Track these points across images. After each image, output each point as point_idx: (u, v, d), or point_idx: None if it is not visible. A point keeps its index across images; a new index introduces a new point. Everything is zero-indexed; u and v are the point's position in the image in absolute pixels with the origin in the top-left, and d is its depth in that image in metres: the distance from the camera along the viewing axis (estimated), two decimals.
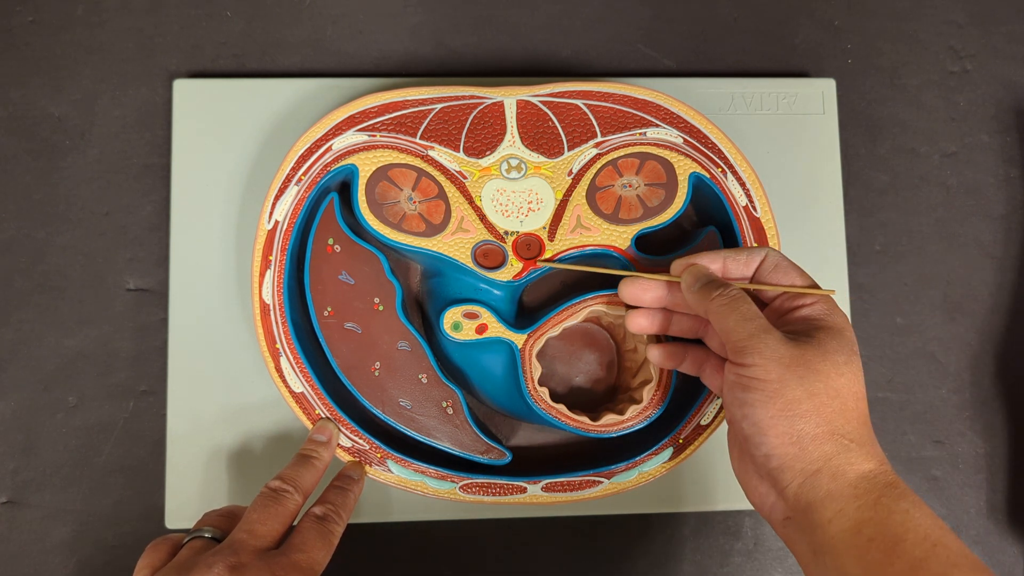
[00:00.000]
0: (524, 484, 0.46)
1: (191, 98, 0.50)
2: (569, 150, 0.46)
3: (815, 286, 0.39)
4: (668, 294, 0.42)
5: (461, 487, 0.46)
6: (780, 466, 0.35)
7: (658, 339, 0.45)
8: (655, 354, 0.44)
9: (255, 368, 0.48)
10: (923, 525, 0.32)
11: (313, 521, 0.40)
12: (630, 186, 0.46)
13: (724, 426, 0.49)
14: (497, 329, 0.45)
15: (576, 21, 0.55)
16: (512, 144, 0.46)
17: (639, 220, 0.46)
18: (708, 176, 0.47)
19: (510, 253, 0.46)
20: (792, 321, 0.38)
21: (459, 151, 0.46)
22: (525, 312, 0.49)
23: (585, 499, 0.46)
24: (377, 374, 0.46)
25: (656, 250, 0.47)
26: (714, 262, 0.40)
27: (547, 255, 0.46)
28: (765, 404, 0.35)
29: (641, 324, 0.43)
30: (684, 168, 0.47)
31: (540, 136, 0.46)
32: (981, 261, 0.54)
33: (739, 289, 0.38)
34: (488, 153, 0.46)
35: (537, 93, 0.47)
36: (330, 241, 0.46)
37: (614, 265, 0.47)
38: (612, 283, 0.48)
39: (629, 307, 0.44)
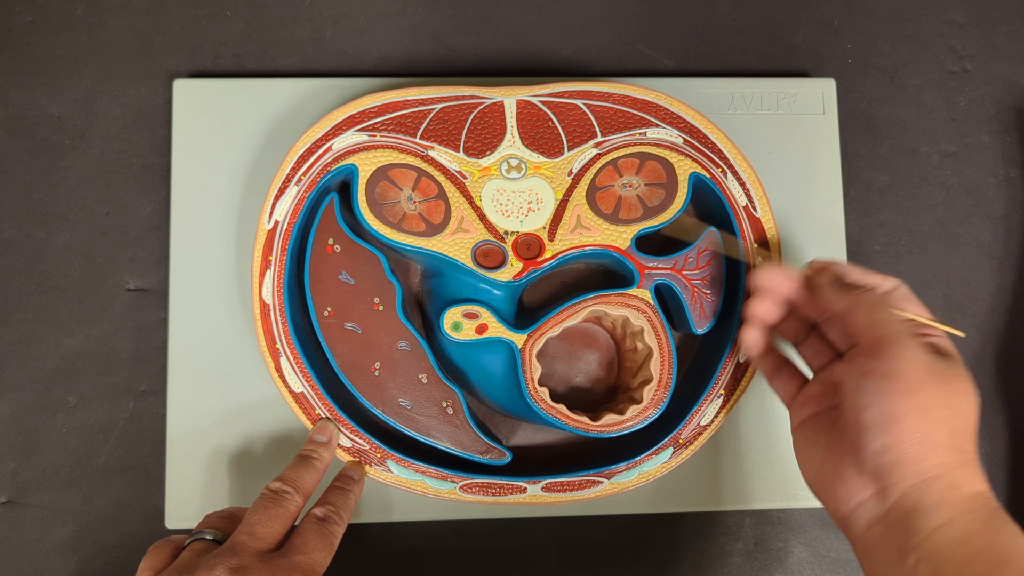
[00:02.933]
0: (524, 484, 0.46)
1: (191, 98, 0.50)
2: (569, 150, 0.46)
3: (935, 321, 0.40)
4: (796, 290, 0.42)
5: (461, 487, 0.46)
6: (895, 461, 0.34)
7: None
8: (752, 337, 0.44)
9: (255, 368, 0.48)
10: None
11: (314, 522, 0.40)
12: (630, 186, 0.46)
13: (724, 426, 0.49)
14: (497, 329, 0.45)
15: (576, 21, 0.55)
16: (512, 144, 0.46)
17: (639, 220, 0.46)
18: (708, 176, 0.47)
19: (510, 253, 0.46)
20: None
21: (459, 151, 0.46)
22: (525, 312, 0.49)
23: (585, 499, 0.46)
24: (377, 374, 0.46)
25: (656, 250, 0.47)
26: (852, 273, 0.41)
27: (547, 255, 0.46)
28: (901, 398, 0.35)
29: (767, 309, 0.43)
30: (684, 168, 0.47)
31: (540, 136, 0.46)
32: (981, 261, 0.54)
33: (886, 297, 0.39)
34: (488, 153, 0.46)
35: (537, 93, 0.47)
36: (330, 241, 0.46)
37: (615, 265, 0.47)
38: (613, 283, 0.48)
39: (755, 295, 0.43)
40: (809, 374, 0.43)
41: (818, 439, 0.39)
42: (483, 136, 0.46)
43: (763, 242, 0.47)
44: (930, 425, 0.34)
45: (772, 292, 0.43)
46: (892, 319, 0.37)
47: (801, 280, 0.42)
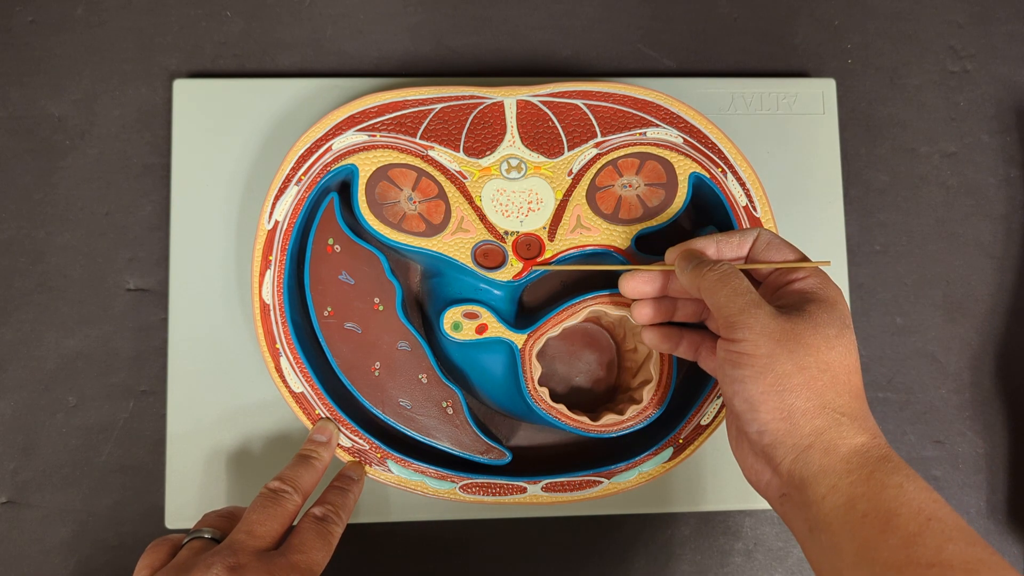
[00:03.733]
0: (524, 484, 0.46)
1: (191, 98, 0.50)
2: (569, 150, 0.46)
3: (806, 260, 0.39)
4: (668, 283, 0.42)
5: (461, 487, 0.46)
6: (772, 442, 0.35)
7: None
8: (650, 336, 0.44)
9: (255, 368, 0.48)
10: (917, 499, 0.32)
11: (312, 522, 0.40)
12: (630, 186, 0.46)
13: (724, 426, 0.49)
14: (497, 329, 0.45)
15: (576, 21, 0.55)
16: (512, 144, 0.46)
17: (639, 220, 0.46)
18: (708, 176, 0.47)
19: (510, 253, 0.46)
20: (785, 295, 0.38)
21: (459, 151, 0.46)
22: (525, 312, 0.49)
23: (585, 499, 0.46)
24: (377, 374, 0.46)
25: (656, 250, 0.47)
26: (708, 246, 0.41)
27: (547, 255, 0.46)
28: (755, 379, 0.35)
29: (646, 314, 0.43)
30: (684, 168, 0.47)
31: (540, 136, 0.46)
32: (981, 261, 0.54)
33: (730, 265, 0.38)
34: (488, 153, 0.46)
35: (537, 93, 0.47)
36: (330, 241, 0.46)
37: (614, 264, 0.47)
38: (612, 283, 0.48)
39: (633, 300, 0.44)
40: None
41: (731, 422, 0.39)
42: (483, 136, 0.46)
43: None
44: (789, 397, 0.34)
45: (642, 297, 0.43)
46: (733, 295, 0.36)
47: (662, 275, 0.42)
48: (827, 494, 0.33)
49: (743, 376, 0.35)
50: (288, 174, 0.46)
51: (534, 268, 0.46)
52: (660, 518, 0.51)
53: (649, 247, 0.47)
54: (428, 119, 0.46)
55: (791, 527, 0.36)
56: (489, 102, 0.46)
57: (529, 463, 0.48)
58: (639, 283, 0.43)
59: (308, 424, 0.45)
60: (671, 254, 0.41)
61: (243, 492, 0.48)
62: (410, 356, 0.46)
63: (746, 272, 0.40)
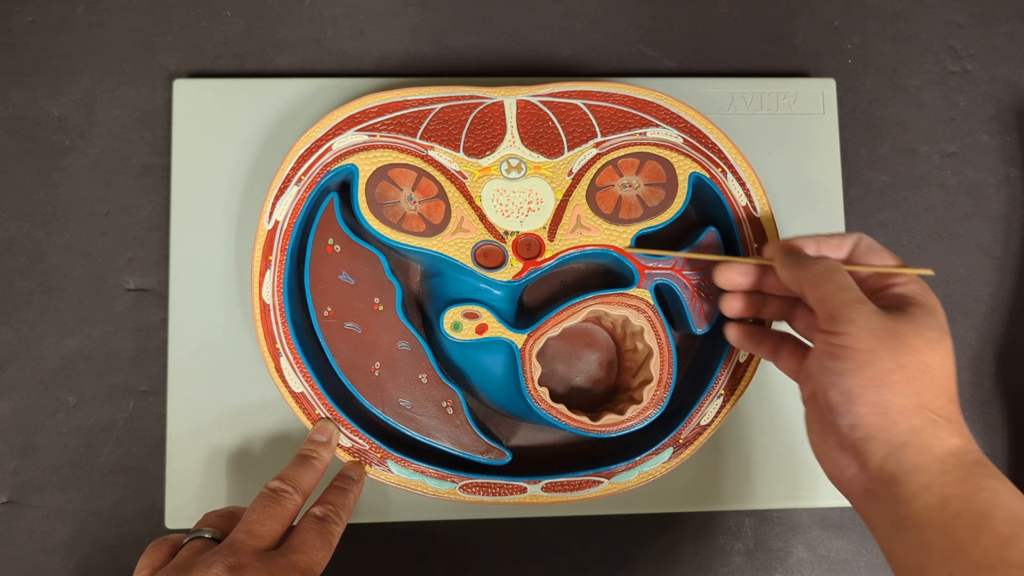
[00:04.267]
0: (524, 484, 0.46)
1: (191, 98, 0.50)
2: (569, 150, 0.46)
3: (907, 267, 0.39)
4: (761, 278, 0.43)
5: (461, 487, 0.46)
6: (865, 436, 0.35)
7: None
8: (734, 334, 0.44)
9: (255, 368, 0.48)
10: (1011, 503, 0.32)
11: (313, 521, 0.40)
12: (630, 186, 0.46)
13: (724, 426, 0.49)
14: (497, 329, 0.45)
15: (576, 21, 0.55)
16: (512, 144, 0.46)
17: (639, 220, 0.46)
18: (708, 176, 0.47)
19: (510, 253, 0.46)
20: (885, 298, 0.38)
21: (459, 151, 0.46)
22: (525, 312, 0.49)
23: (585, 499, 0.46)
24: (377, 374, 0.46)
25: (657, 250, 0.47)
26: (808, 244, 0.41)
27: (546, 255, 0.46)
28: (855, 373, 0.35)
29: (736, 307, 0.44)
30: (684, 168, 0.47)
31: (540, 136, 0.46)
32: (981, 261, 0.54)
33: (835, 261, 0.39)
34: (488, 153, 0.46)
35: (537, 93, 0.47)
36: (330, 241, 0.46)
37: (615, 265, 0.47)
38: (613, 283, 0.48)
39: (724, 291, 0.44)
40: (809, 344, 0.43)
41: (815, 416, 0.39)
42: (483, 136, 0.46)
43: (763, 242, 0.47)
44: (888, 394, 0.34)
45: (734, 289, 0.43)
46: (838, 289, 0.37)
47: (758, 269, 0.42)
48: (919, 492, 0.33)
49: (842, 368, 0.35)
50: (288, 174, 0.46)
51: (537, 265, 0.45)
52: (660, 518, 0.51)
53: (649, 247, 0.47)
54: (428, 119, 0.46)
55: (871, 524, 0.36)
56: (489, 102, 0.46)
57: (529, 463, 0.48)
58: (735, 275, 0.43)
59: (308, 424, 0.45)
60: (770, 249, 0.42)
61: (243, 492, 0.48)
62: (410, 356, 0.46)
63: None
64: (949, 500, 0.33)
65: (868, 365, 0.35)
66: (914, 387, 0.34)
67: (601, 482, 0.46)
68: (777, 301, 0.44)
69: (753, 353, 0.45)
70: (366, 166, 0.46)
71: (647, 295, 0.46)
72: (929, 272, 0.39)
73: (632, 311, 0.46)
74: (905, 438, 0.34)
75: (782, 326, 0.45)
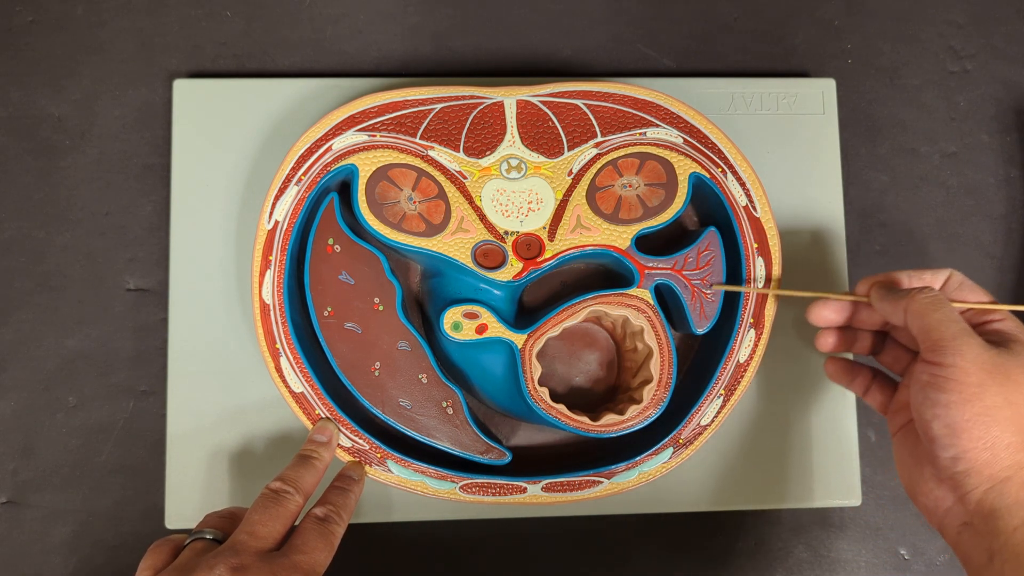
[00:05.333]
0: (524, 484, 0.46)
1: (191, 98, 0.50)
2: (569, 150, 0.46)
3: (997, 303, 0.40)
4: (853, 314, 0.44)
5: (461, 487, 0.46)
6: (968, 470, 0.35)
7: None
8: (831, 369, 0.46)
9: (255, 368, 0.48)
10: None
11: (314, 522, 0.40)
12: (630, 186, 0.46)
13: (724, 426, 0.49)
14: (497, 329, 0.45)
15: (576, 21, 0.55)
16: (512, 144, 0.46)
17: (639, 220, 0.46)
18: (708, 176, 0.47)
19: (510, 253, 0.46)
20: (984, 333, 0.38)
21: (459, 151, 0.46)
22: (525, 312, 0.49)
23: (585, 499, 0.46)
24: (377, 374, 0.46)
25: (656, 250, 0.47)
26: (901, 278, 0.41)
27: (547, 255, 0.46)
28: (961, 406, 0.35)
29: (830, 343, 0.45)
30: (684, 168, 0.47)
31: (540, 136, 0.46)
32: (981, 261, 0.54)
33: (941, 292, 0.39)
34: (488, 153, 0.46)
35: (537, 93, 0.47)
36: (330, 241, 0.46)
37: (615, 265, 0.47)
38: (612, 283, 0.48)
39: (819, 328, 0.45)
40: (897, 379, 0.44)
41: (907, 449, 0.40)
42: (483, 136, 0.46)
43: (763, 242, 0.47)
44: (995, 429, 0.34)
45: (828, 326, 0.44)
46: (945, 320, 0.37)
47: (850, 305, 0.43)
48: (1020, 526, 0.34)
49: (948, 400, 0.35)
50: (288, 174, 0.46)
51: (537, 265, 0.45)
52: (660, 518, 0.51)
53: (649, 247, 0.47)
54: (428, 119, 0.46)
55: (965, 556, 0.36)
56: (489, 102, 0.46)
57: (529, 463, 0.48)
58: (830, 312, 0.44)
59: (308, 424, 0.45)
60: (863, 285, 0.42)
61: (243, 492, 0.48)
62: (410, 356, 0.46)
63: None
64: None
65: (976, 399, 0.35)
66: (1020, 423, 0.35)
67: (601, 482, 0.46)
68: (867, 336, 0.44)
69: (846, 387, 0.46)
70: (366, 166, 0.46)
71: (647, 295, 0.46)
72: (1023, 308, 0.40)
73: (632, 311, 0.46)
74: (1009, 473, 0.34)
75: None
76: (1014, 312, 0.40)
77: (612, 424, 0.45)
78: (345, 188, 0.47)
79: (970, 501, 0.35)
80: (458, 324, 0.45)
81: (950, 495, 0.36)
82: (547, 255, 0.46)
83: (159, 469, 0.49)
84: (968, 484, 0.35)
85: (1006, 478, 0.34)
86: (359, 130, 0.46)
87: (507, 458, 0.46)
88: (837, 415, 0.50)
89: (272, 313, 0.45)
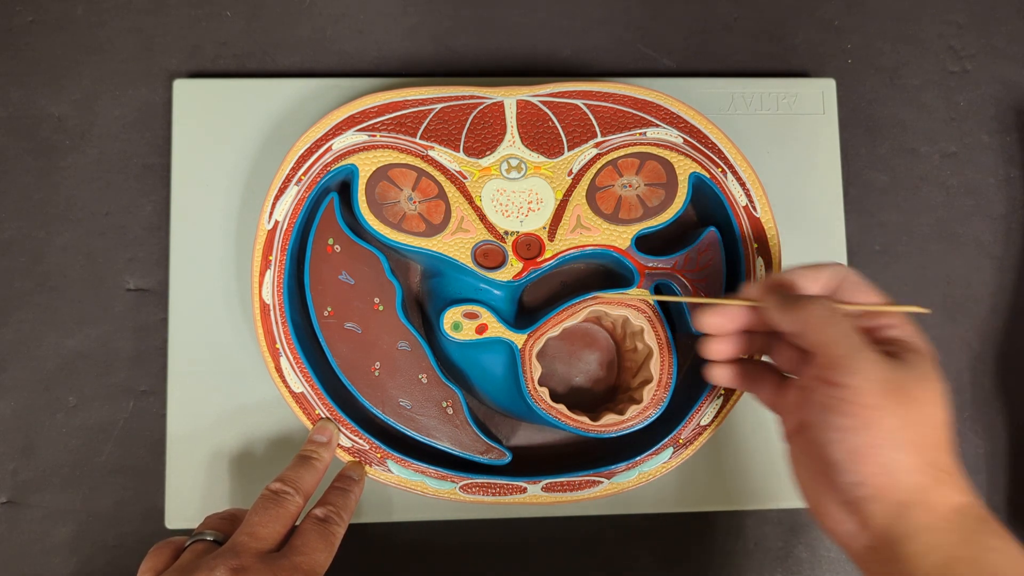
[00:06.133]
0: (524, 484, 0.46)
1: (191, 98, 0.50)
2: (569, 150, 0.46)
3: (898, 305, 0.38)
4: (745, 318, 0.41)
5: (461, 487, 0.46)
6: (869, 496, 0.33)
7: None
8: (720, 373, 0.42)
9: (255, 368, 0.48)
10: (1018, 564, 0.32)
11: (314, 523, 0.40)
12: (630, 186, 0.46)
13: (724, 426, 0.49)
14: (497, 329, 0.45)
15: (576, 21, 0.55)
16: (512, 144, 0.46)
17: (639, 220, 0.46)
18: (708, 176, 0.47)
19: (510, 253, 0.46)
20: (879, 342, 0.37)
21: (459, 151, 0.46)
22: (525, 312, 0.49)
23: (585, 499, 0.46)
24: (377, 374, 0.46)
25: (656, 250, 0.47)
26: (793, 280, 0.39)
27: (547, 255, 0.46)
28: (860, 431, 0.33)
29: (721, 350, 0.42)
30: (684, 168, 0.47)
31: (540, 136, 0.46)
32: (981, 261, 0.54)
33: (835, 301, 0.37)
34: (488, 153, 0.46)
35: (537, 93, 0.47)
36: (330, 241, 0.46)
37: (615, 265, 0.47)
38: (612, 283, 0.48)
39: (706, 335, 0.42)
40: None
41: (804, 460, 0.37)
42: (483, 136, 0.46)
43: (763, 242, 0.47)
44: (896, 453, 0.33)
45: (720, 333, 0.41)
46: (841, 336, 0.35)
47: (743, 309, 0.40)
48: (926, 552, 0.32)
49: (847, 425, 0.34)
50: (288, 174, 0.46)
51: (537, 265, 0.45)
52: (660, 518, 0.51)
53: (649, 247, 0.47)
54: (428, 119, 0.46)
55: None
56: (489, 102, 0.46)
57: (529, 463, 0.48)
58: (723, 319, 0.41)
59: (308, 424, 0.45)
60: (756, 290, 0.40)
61: (243, 492, 0.48)
62: (410, 356, 0.46)
63: None
64: (956, 562, 0.32)
65: (875, 424, 0.33)
66: (920, 444, 0.33)
67: (601, 482, 0.46)
68: (758, 338, 0.42)
69: (733, 388, 0.44)
70: (366, 166, 0.46)
71: (647, 295, 0.46)
72: (924, 311, 0.38)
73: (632, 311, 0.46)
74: (911, 496, 0.33)
75: None
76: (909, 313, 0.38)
77: (612, 424, 0.45)
78: (345, 188, 0.47)
79: (873, 526, 0.34)
80: (458, 324, 0.45)
81: (852, 519, 0.35)
82: (547, 255, 0.46)
83: (159, 469, 0.49)
84: (870, 509, 0.34)
85: (909, 502, 0.33)
86: (359, 130, 0.46)
87: (507, 458, 0.46)
88: None
89: (272, 313, 0.45)
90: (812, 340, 0.36)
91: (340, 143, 0.46)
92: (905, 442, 0.33)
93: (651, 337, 0.46)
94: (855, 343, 0.35)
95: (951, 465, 0.34)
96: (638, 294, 0.45)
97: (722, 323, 0.41)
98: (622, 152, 0.46)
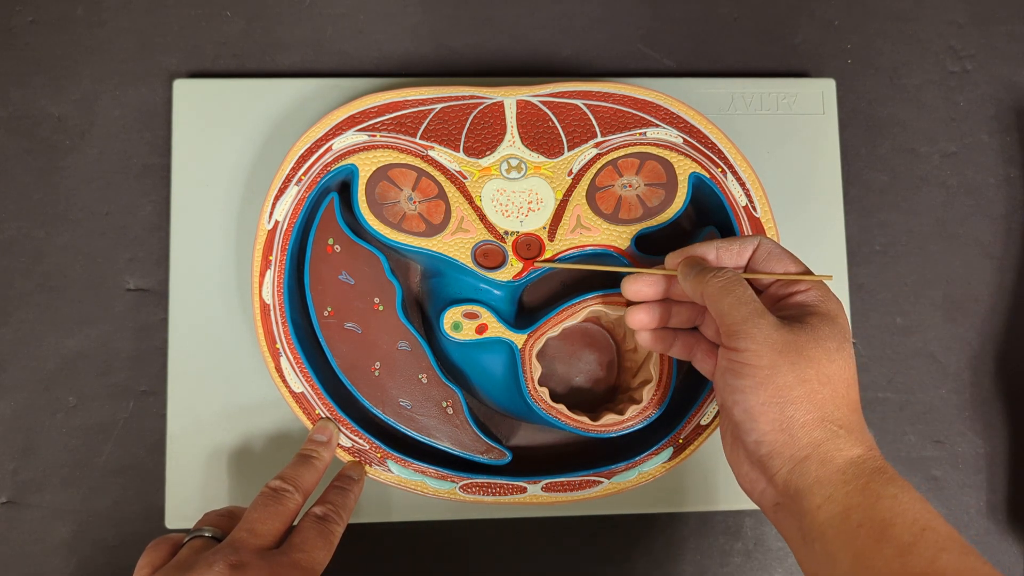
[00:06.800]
0: (524, 484, 0.46)
1: (191, 98, 0.50)
2: (569, 150, 0.46)
3: (809, 272, 0.39)
4: (668, 287, 0.42)
5: (461, 487, 0.46)
6: (770, 452, 0.35)
7: None
8: (644, 337, 0.44)
9: (255, 368, 0.48)
10: (912, 510, 0.32)
11: (313, 521, 0.40)
12: (630, 186, 0.46)
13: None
14: (497, 329, 0.45)
15: (576, 21, 0.55)
16: (512, 144, 0.46)
17: (639, 220, 0.46)
18: (708, 176, 0.47)
19: (510, 253, 0.46)
20: (786, 307, 0.38)
21: (459, 151, 0.46)
22: (525, 312, 0.49)
23: (585, 499, 0.46)
24: (377, 374, 0.46)
25: (656, 250, 0.47)
26: (708, 252, 0.41)
27: (547, 255, 0.46)
28: (756, 390, 0.35)
29: (642, 319, 0.43)
30: (684, 168, 0.47)
31: (540, 136, 0.46)
32: (981, 261, 0.54)
33: (735, 273, 0.38)
34: (488, 153, 0.46)
35: (537, 93, 0.47)
36: (330, 241, 0.46)
37: (614, 264, 0.47)
38: (612, 283, 0.48)
39: (629, 303, 0.44)
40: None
41: (727, 429, 0.39)
42: (483, 136, 0.46)
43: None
44: (789, 409, 0.34)
45: (642, 300, 0.43)
46: (737, 303, 0.36)
47: (665, 278, 0.42)
48: (822, 504, 0.34)
49: (743, 386, 0.35)
50: (288, 174, 0.46)
51: (535, 268, 0.46)
52: (660, 518, 0.51)
53: (649, 247, 0.47)
54: (428, 119, 0.46)
55: (785, 535, 0.36)
56: (489, 102, 0.46)
57: (529, 463, 0.48)
58: (642, 285, 0.42)
59: (308, 424, 0.45)
60: (672, 259, 0.42)
61: (243, 492, 0.48)
62: (410, 356, 0.46)
63: (748, 281, 0.40)
64: (851, 511, 0.33)
65: (769, 381, 0.35)
66: (815, 400, 0.35)
67: (601, 482, 0.46)
68: (683, 309, 0.43)
69: (667, 354, 0.44)
70: (366, 166, 0.46)
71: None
72: (828, 277, 0.39)
73: None
74: (807, 452, 0.34)
75: None
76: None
77: (612, 424, 0.45)
78: (345, 188, 0.47)
79: (777, 482, 0.35)
80: (458, 324, 0.45)
81: (761, 477, 0.36)
82: (547, 255, 0.46)
83: (159, 469, 0.49)
84: (773, 466, 0.35)
85: (805, 457, 0.34)
86: (359, 130, 0.46)
87: (507, 458, 0.46)
88: None
89: (272, 313, 0.45)
90: (713, 309, 0.38)
91: (340, 143, 0.46)
92: (799, 398, 0.34)
93: None
94: (749, 309, 0.36)
95: (851, 420, 0.35)
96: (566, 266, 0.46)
97: (642, 289, 0.43)
98: (622, 152, 0.46)
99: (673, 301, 0.43)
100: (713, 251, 0.41)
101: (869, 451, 0.35)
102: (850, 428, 0.35)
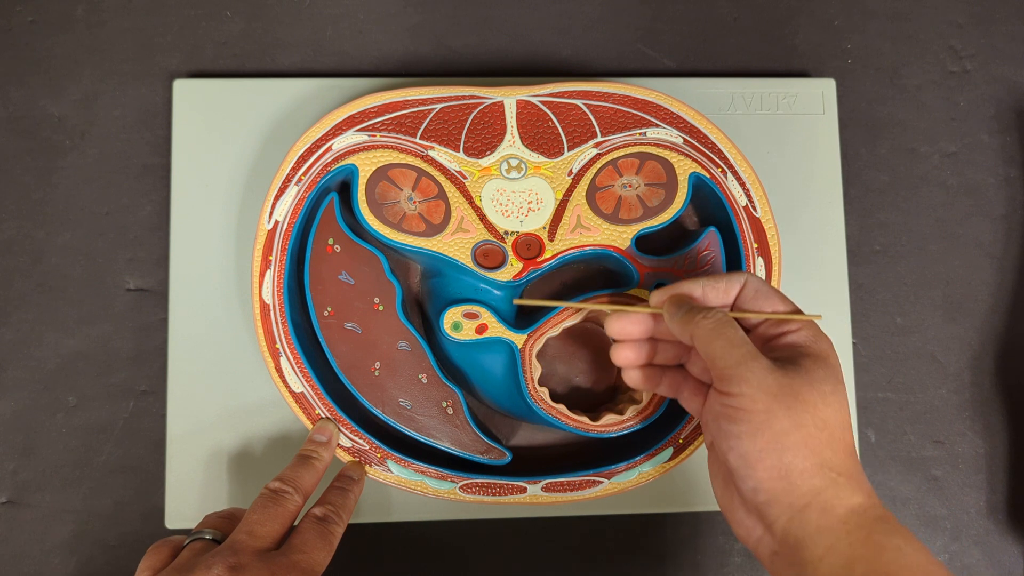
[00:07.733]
0: (524, 484, 0.46)
1: (191, 98, 0.50)
2: (569, 150, 0.46)
3: (797, 311, 0.38)
4: (654, 325, 0.41)
5: (461, 487, 0.46)
6: (768, 500, 0.34)
7: None
8: (632, 376, 0.42)
9: (255, 368, 0.48)
10: (916, 562, 0.32)
11: (313, 522, 0.40)
12: (630, 186, 0.46)
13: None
14: (497, 329, 0.45)
15: (576, 21, 0.55)
16: (512, 144, 0.46)
17: (639, 220, 0.46)
18: (708, 176, 0.47)
19: (510, 253, 0.46)
20: (777, 348, 0.37)
21: (459, 151, 0.46)
22: (525, 312, 0.49)
23: (585, 499, 0.46)
24: (377, 374, 0.46)
25: (656, 250, 0.47)
26: (694, 290, 0.39)
27: (547, 255, 0.46)
28: (752, 437, 0.34)
29: (628, 356, 0.42)
30: (684, 168, 0.47)
31: (540, 136, 0.46)
32: (981, 261, 0.54)
33: (724, 313, 0.37)
34: (488, 153, 0.46)
35: (537, 93, 0.47)
36: (330, 241, 0.46)
37: (615, 265, 0.47)
38: (613, 283, 0.48)
39: (614, 341, 0.42)
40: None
41: (715, 470, 0.38)
42: (483, 136, 0.46)
43: (763, 242, 0.47)
44: (788, 456, 0.33)
45: (627, 339, 0.42)
46: (729, 346, 0.35)
47: (650, 316, 0.41)
48: (824, 555, 0.33)
49: (739, 432, 0.34)
50: (288, 174, 0.46)
51: (537, 265, 0.45)
52: (660, 518, 0.51)
53: (649, 247, 0.47)
54: (428, 119, 0.46)
55: None
56: (489, 102, 0.46)
57: (529, 463, 0.48)
58: (627, 324, 0.41)
59: (308, 424, 0.45)
60: (657, 297, 0.40)
61: (243, 492, 0.48)
62: (410, 356, 0.46)
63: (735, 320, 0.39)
64: (854, 562, 0.32)
65: (765, 428, 0.33)
66: (812, 446, 0.33)
67: (601, 482, 0.46)
68: (669, 346, 0.41)
69: (655, 392, 0.43)
70: (366, 166, 0.46)
71: (647, 295, 0.46)
72: (818, 317, 0.38)
73: None
74: (806, 500, 0.33)
75: None
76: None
77: (612, 424, 0.45)
78: (345, 188, 0.47)
79: (776, 531, 0.34)
80: (458, 324, 0.45)
81: (758, 525, 0.35)
82: (547, 255, 0.46)
83: (159, 469, 0.49)
84: (771, 514, 0.34)
85: (804, 505, 0.33)
86: (359, 130, 0.46)
87: (507, 458, 0.46)
88: None
89: (272, 313, 0.45)
90: (703, 351, 0.36)
91: (340, 143, 0.46)
92: (796, 444, 0.33)
93: None
94: (743, 352, 0.35)
95: (849, 466, 0.34)
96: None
97: (627, 327, 0.41)
98: (622, 152, 0.46)
99: (657, 339, 0.42)
100: (699, 289, 0.39)
101: (869, 499, 0.34)
102: (849, 475, 0.34)
